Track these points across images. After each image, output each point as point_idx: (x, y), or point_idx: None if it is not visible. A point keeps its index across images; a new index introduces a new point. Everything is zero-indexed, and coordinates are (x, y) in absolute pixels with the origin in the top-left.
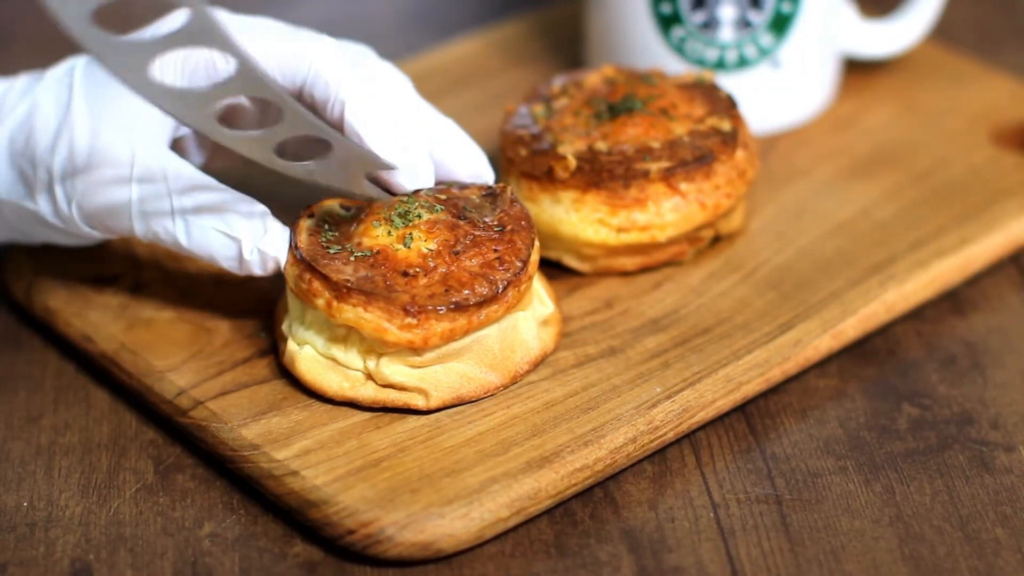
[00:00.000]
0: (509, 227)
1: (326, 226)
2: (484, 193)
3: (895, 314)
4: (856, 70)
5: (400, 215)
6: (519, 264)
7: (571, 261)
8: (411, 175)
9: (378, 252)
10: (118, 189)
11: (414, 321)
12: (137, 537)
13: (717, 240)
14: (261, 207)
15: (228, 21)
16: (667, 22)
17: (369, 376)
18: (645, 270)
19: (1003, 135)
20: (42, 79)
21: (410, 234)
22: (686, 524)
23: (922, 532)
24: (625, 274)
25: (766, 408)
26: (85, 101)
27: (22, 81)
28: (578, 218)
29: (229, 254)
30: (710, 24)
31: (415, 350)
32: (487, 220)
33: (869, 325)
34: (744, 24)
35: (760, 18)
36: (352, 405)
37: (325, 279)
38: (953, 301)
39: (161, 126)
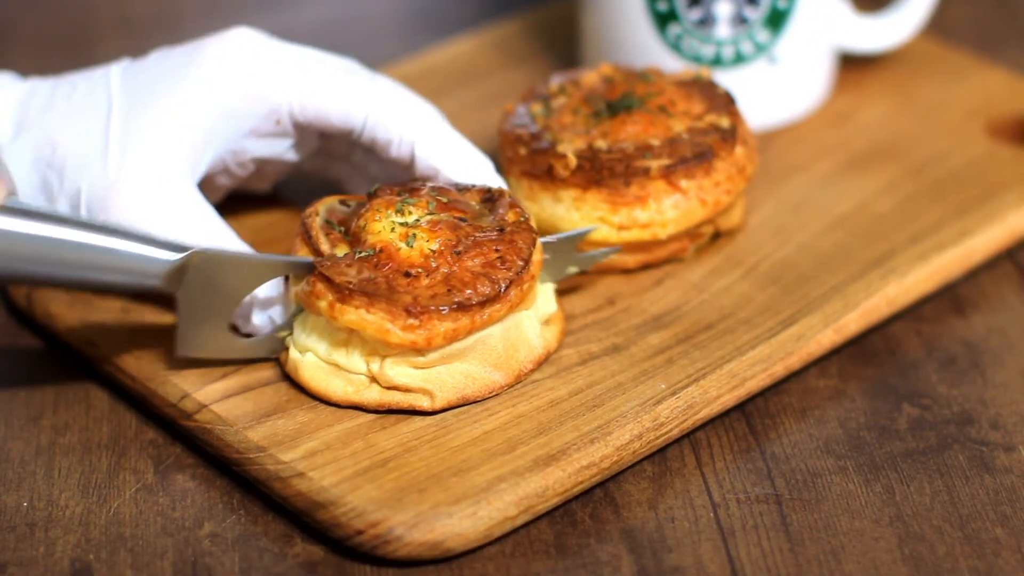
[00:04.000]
0: (509, 228)
1: (333, 223)
2: (483, 198)
3: (896, 307)
4: (852, 65)
5: (398, 211)
6: (520, 263)
7: None
8: None
9: (381, 250)
10: (140, 222)
11: (416, 322)
12: (137, 537)
13: (717, 236)
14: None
15: (284, 55)
16: (663, 19)
17: (373, 379)
18: (646, 267)
19: (1000, 128)
20: (72, 88)
21: (413, 234)
22: (686, 524)
23: (922, 532)
24: (626, 271)
25: (766, 408)
26: (122, 128)
27: (44, 87)
28: (579, 216)
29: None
30: (706, 21)
31: (418, 351)
32: (488, 221)
33: (871, 319)
34: (740, 20)
35: (756, 14)
36: (358, 408)
37: (328, 281)
38: (953, 301)
39: (194, 165)
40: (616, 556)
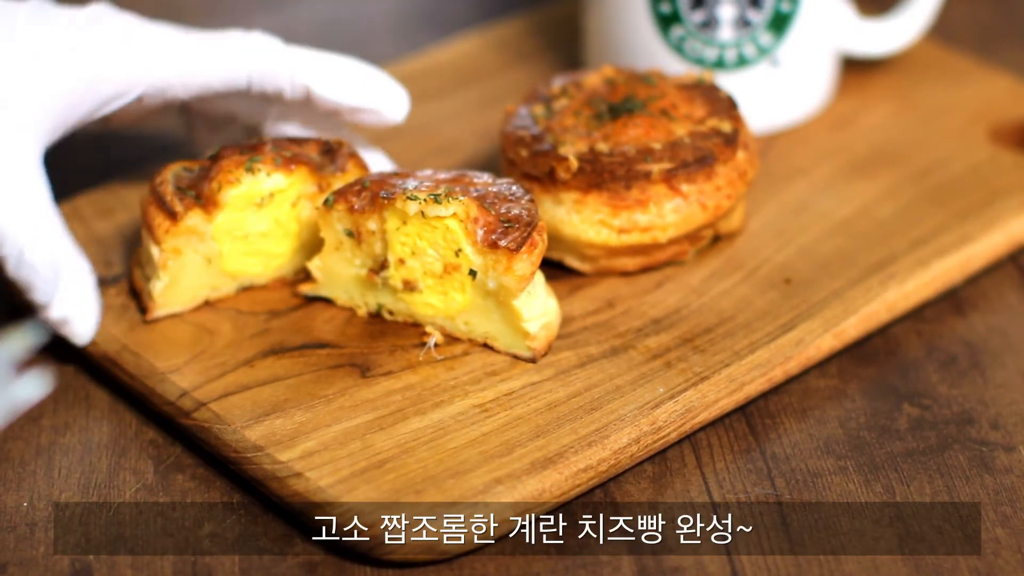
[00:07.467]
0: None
1: (183, 188)
2: (322, 150)
3: (896, 313)
4: (854, 69)
5: (248, 169)
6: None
7: (572, 261)
8: (396, 107)
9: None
10: None
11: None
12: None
13: (717, 239)
14: (89, 277)
15: (146, 34)
16: (666, 21)
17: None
18: (646, 270)
19: (1002, 133)
20: None
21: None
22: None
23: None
24: (626, 274)
25: (766, 408)
26: None
27: None
28: (580, 219)
29: (42, 300)
30: (709, 23)
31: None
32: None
33: (870, 324)
34: (743, 23)
35: (759, 17)
36: None
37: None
38: (953, 301)
39: (43, 136)
40: (616, 556)
